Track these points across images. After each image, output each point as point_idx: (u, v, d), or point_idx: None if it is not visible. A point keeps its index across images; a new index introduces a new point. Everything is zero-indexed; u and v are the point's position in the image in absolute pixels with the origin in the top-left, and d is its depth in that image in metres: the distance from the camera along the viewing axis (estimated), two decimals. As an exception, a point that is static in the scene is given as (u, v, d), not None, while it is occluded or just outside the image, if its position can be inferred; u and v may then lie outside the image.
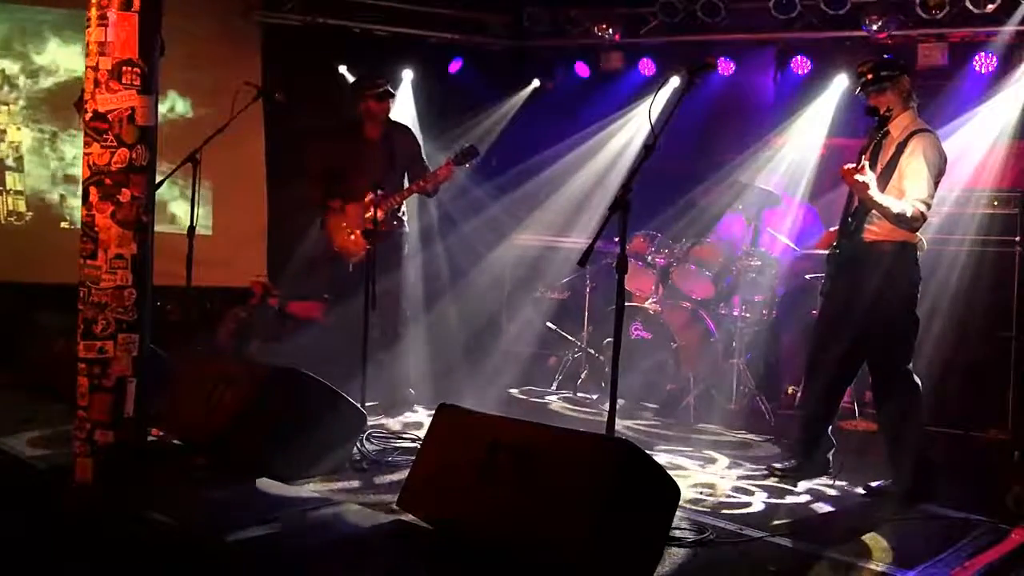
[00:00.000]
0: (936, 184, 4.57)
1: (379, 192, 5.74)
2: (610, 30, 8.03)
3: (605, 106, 8.41)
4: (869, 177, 4.41)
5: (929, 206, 4.52)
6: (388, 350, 6.13)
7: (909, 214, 4.45)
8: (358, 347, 5.42)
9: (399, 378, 6.20)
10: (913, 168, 4.52)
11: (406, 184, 6.18)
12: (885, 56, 5.01)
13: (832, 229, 4.98)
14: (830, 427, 4.96)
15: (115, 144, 3.90)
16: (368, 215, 5.83)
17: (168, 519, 3.68)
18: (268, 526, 3.73)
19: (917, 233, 4.59)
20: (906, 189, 4.51)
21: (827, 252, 4.87)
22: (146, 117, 3.96)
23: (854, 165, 4.45)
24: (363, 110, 6.18)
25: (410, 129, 6.56)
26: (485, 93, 8.69)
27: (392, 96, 6.27)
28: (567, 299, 7.89)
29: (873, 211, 4.55)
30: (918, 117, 4.73)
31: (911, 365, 4.69)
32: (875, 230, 4.62)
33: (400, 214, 6.24)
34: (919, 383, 4.68)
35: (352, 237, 6.08)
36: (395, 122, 6.41)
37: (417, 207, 7.77)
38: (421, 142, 6.51)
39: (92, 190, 3.94)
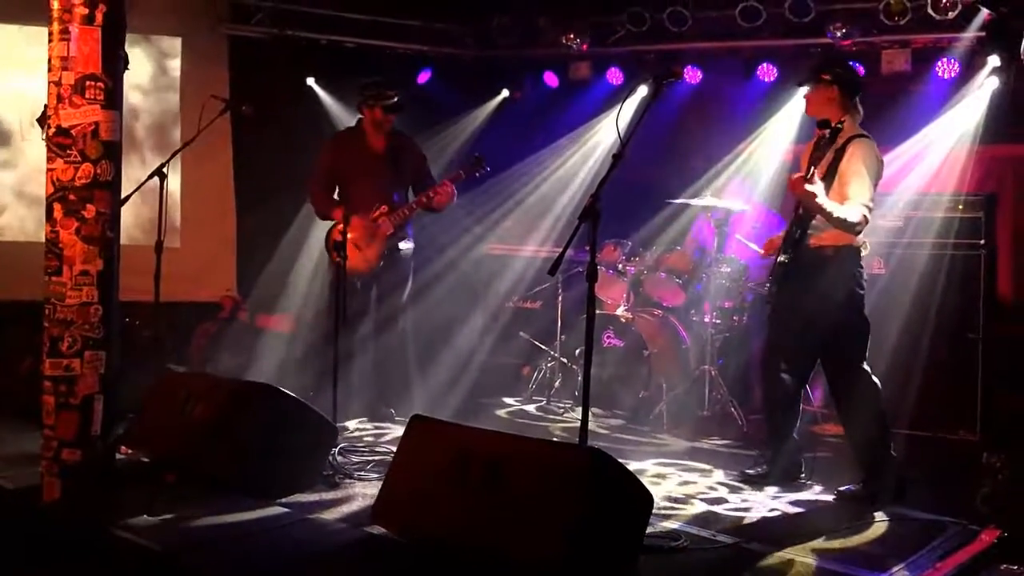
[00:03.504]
0: (875, 187, 4.69)
1: (385, 208, 5.80)
2: (578, 40, 8.06)
3: (574, 115, 8.43)
4: (818, 187, 4.50)
5: (871, 209, 4.64)
6: (378, 370, 6.14)
7: (855, 219, 4.55)
8: (362, 365, 5.57)
9: (376, 391, 6.18)
10: (854, 173, 4.62)
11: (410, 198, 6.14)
12: (842, 61, 5.10)
13: (775, 235, 5.05)
14: (795, 429, 5.00)
15: (79, 159, 3.88)
16: (379, 231, 5.90)
17: (138, 538, 3.65)
18: (240, 543, 3.70)
19: (860, 236, 4.68)
20: (849, 194, 4.60)
21: (772, 260, 4.95)
22: (111, 132, 3.94)
23: (802, 175, 4.54)
24: (369, 119, 6.08)
25: (415, 142, 6.45)
26: (454, 103, 8.69)
27: (402, 109, 6.15)
28: (539, 308, 7.88)
29: (817, 218, 4.64)
30: (857, 124, 4.80)
31: (867, 365, 4.75)
32: (820, 236, 4.71)
33: (406, 230, 6.16)
34: (877, 382, 4.75)
35: (361, 255, 5.94)
36: (399, 133, 6.29)
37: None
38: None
39: (56, 206, 3.91)
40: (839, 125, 4.63)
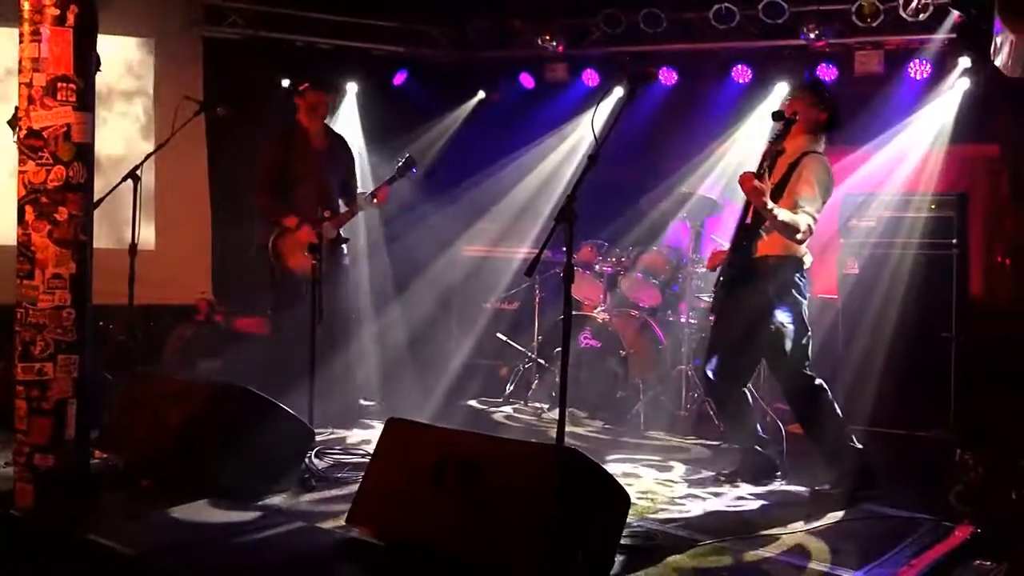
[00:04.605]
0: (824, 203, 4.78)
1: (328, 211, 5.76)
2: (553, 42, 8.08)
3: (550, 117, 8.45)
4: (765, 186, 4.58)
5: (816, 220, 4.72)
6: (341, 363, 6.09)
7: (798, 225, 4.63)
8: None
9: (351, 393, 6.15)
10: (804, 183, 4.71)
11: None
12: (825, 86, 5.22)
13: (718, 249, 5.21)
14: (758, 426, 5.06)
15: (51, 162, 3.85)
16: (326, 233, 5.82)
17: (113, 543, 3.62)
18: (215, 546, 3.68)
19: (803, 247, 4.79)
20: (797, 203, 4.69)
21: (719, 268, 5.06)
22: (83, 134, 3.91)
23: (752, 172, 4.63)
24: (305, 109, 6.06)
25: (346, 141, 6.49)
26: (430, 105, 8.69)
27: (325, 86, 6.18)
28: (516, 309, 7.89)
29: (763, 228, 4.75)
30: (815, 143, 4.86)
31: (809, 370, 4.84)
32: (765, 245, 4.79)
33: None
34: (821, 384, 4.82)
35: (306, 259, 5.65)
36: (337, 133, 6.38)
37: (365, 219, 7.74)
38: (366, 155, 6.49)
39: (28, 209, 3.87)
40: (794, 116, 4.73)
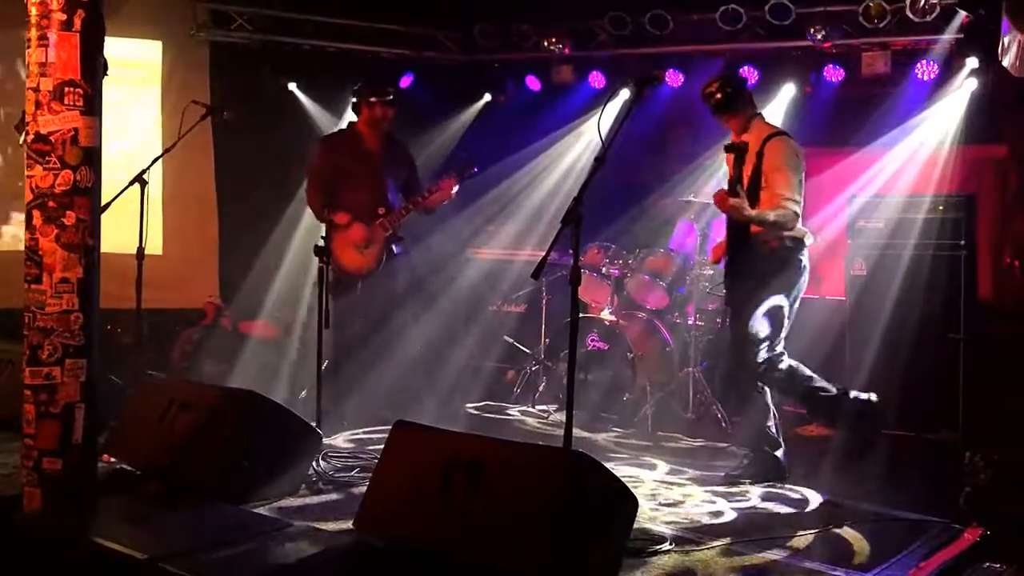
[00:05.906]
0: (800, 181, 4.82)
1: (383, 209, 5.85)
2: (560, 44, 8.09)
3: (557, 119, 8.46)
4: (742, 200, 4.67)
5: (799, 203, 4.78)
6: (380, 364, 6.12)
7: (784, 219, 4.72)
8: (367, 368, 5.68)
9: (367, 395, 6.15)
10: (777, 173, 4.76)
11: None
12: (724, 75, 5.29)
13: (719, 243, 5.24)
14: (774, 426, 5.03)
15: (58, 166, 3.85)
16: (378, 233, 5.94)
17: (120, 547, 3.62)
18: (223, 550, 3.68)
19: (800, 226, 4.86)
20: (776, 193, 4.74)
21: (724, 264, 5.12)
22: (90, 138, 3.91)
23: (724, 191, 4.74)
24: (368, 117, 6.04)
25: (405, 143, 6.44)
26: (437, 108, 8.70)
27: (394, 98, 6.13)
28: (524, 312, 7.89)
29: None
30: (765, 121, 5.00)
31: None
32: (764, 232, 4.84)
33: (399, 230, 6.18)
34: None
35: (362, 257, 5.94)
36: (391, 134, 6.28)
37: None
38: None
39: (35, 213, 3.88)
40: (745, 145, 4.85)
